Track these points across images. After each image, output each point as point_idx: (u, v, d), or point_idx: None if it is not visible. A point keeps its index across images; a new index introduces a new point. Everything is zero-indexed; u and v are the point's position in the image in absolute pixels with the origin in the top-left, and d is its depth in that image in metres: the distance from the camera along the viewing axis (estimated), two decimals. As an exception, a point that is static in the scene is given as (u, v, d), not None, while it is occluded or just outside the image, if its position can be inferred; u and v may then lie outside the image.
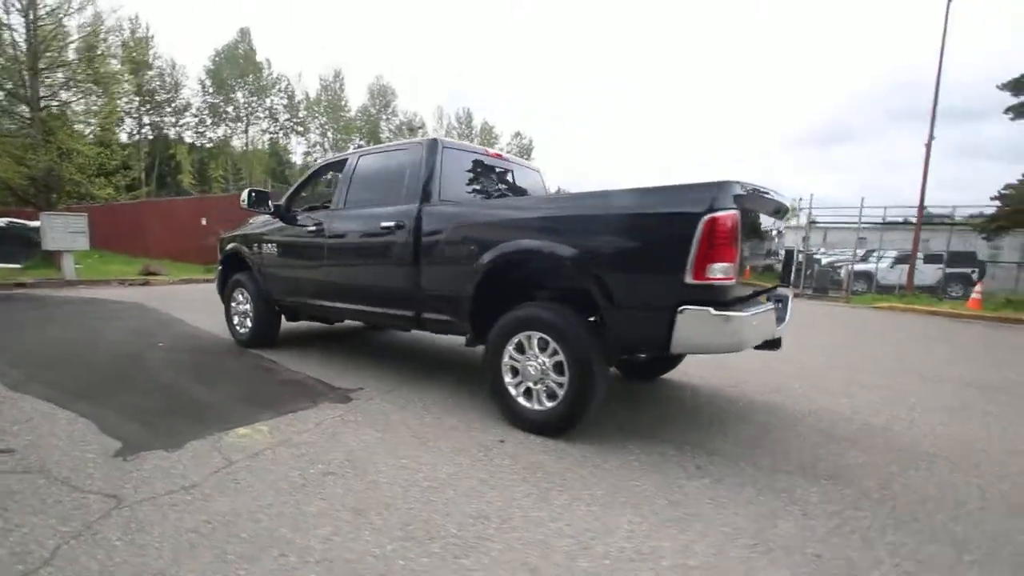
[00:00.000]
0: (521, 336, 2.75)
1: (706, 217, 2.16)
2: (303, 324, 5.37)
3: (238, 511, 1.91)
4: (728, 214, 2.16)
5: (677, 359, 3.93)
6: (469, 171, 3.62)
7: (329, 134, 58.71)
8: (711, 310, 2.18)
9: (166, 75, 44.34)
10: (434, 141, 3.39)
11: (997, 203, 13.35)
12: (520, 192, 4.01)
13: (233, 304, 4.85)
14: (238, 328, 4.82)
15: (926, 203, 14.55)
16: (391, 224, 3.34)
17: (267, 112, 52.08)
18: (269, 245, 4.37)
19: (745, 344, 2.28)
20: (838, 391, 3.99)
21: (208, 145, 49.96)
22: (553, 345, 2.63)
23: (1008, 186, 13.22)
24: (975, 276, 15.82)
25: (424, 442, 2.63)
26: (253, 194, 4.14)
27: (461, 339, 3.20)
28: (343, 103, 58.29)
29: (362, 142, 60.21)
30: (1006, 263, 16.09)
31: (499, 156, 3.90)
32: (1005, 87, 13.53)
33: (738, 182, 2.23)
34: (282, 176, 41.95)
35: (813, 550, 1.80)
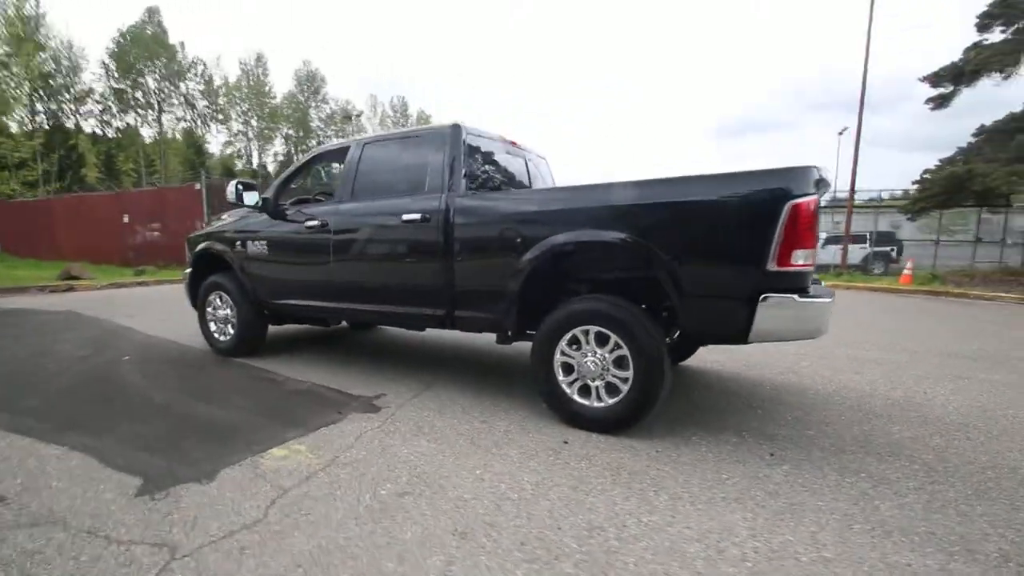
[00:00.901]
0: (576, 331, 2.63)
1: (790, 203, 2.12)
2: (277, 328, 4.95)
3: (325, 547, 1.68)
4: (811, 199, 2.13)
5: (697, 346, 3.94)
6: (489, 159, 3.42)
7: (253, 122, 55.30)
8: (796, 297, 2.16)
9: (62, 57, 39.78)
10: (457, 127, 3.16)
11: (917, 186, 14.67)
12: (534, 182, 3.86)
13: (210, 309, 4.38)
14: (217, 336, 4.36)
15: (846, 187, 15.73)
16: (415, 217, 3.09)
17: (182, 98, 48.16)
18: (256, 243, 3.95)
19: (824, 330, 2.28)
20: (846, 368, 4.17)
21: (115, 135, 45.51)
22: (614, 339, 2.53)
23: (927, 171, 14.55)
24: (894, 254, 17.36)
25: (487, 450, 2.46)
26: (240, 186, 3.72)
27: (463, 334, 3.06)
28: (267, 89, 55.01)
29: (290, 131, 57.23)
30: (923, 241, 17.74)
31: (515, 144, 3.71)
32: (926, 79, 14.87)
33: (815, 167, 2.21)
34: (201, 168, 38.77)
35: (925, 528, 1.82)
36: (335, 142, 3.82)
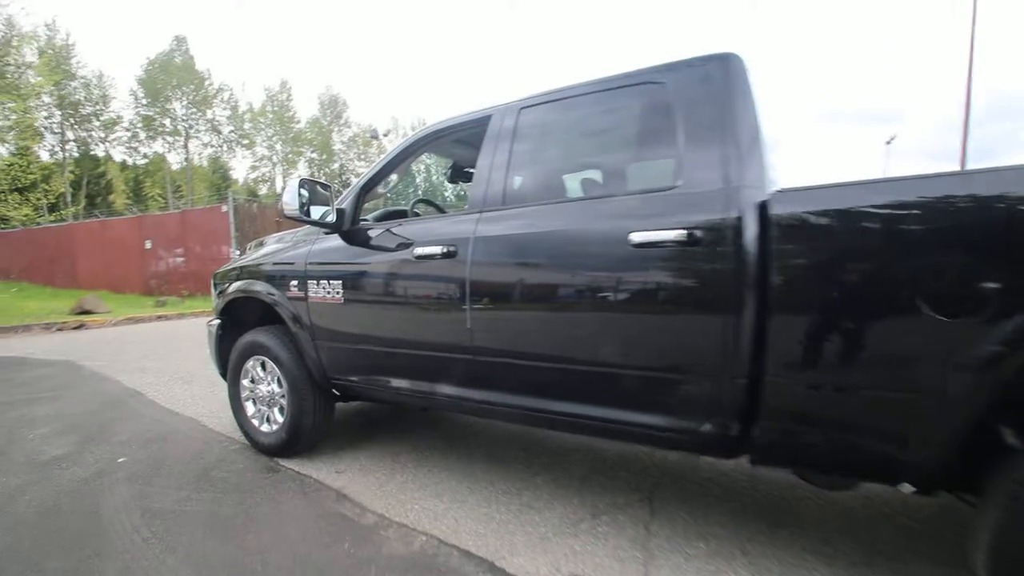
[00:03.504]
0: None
1: None
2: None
3: None
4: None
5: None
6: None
7: (278, 146, 55.37)
8: None
9: (92, 86, 40.09)
10: (735, 59, 1.64)
11: None
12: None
13: (247, 383, 2.88)
14: (257, 423, 2.85)
15: None
16: (665, 237, 1.55)
17: (209, 124, 48.30)
18: (322, 283, 2.45)
19: None
20: None
21: (143, 162, 45.74)
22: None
23: None
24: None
25: None
26: (304, 191, 2.22)
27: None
28: (291, 114, 55.14)
29: (314, 154, 57.06)
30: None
31: None
32: None
33: None
34: (228, 191, 38.33)
35: None
36: (459, 115, 2.31)
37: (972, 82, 12.95)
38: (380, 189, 2.56)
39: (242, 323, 3.00)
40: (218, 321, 3.05)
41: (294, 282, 2.56)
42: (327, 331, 2.49)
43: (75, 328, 8.93)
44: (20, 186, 11.44)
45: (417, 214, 2.78)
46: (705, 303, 1.52)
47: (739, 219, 1.47)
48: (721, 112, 1.59)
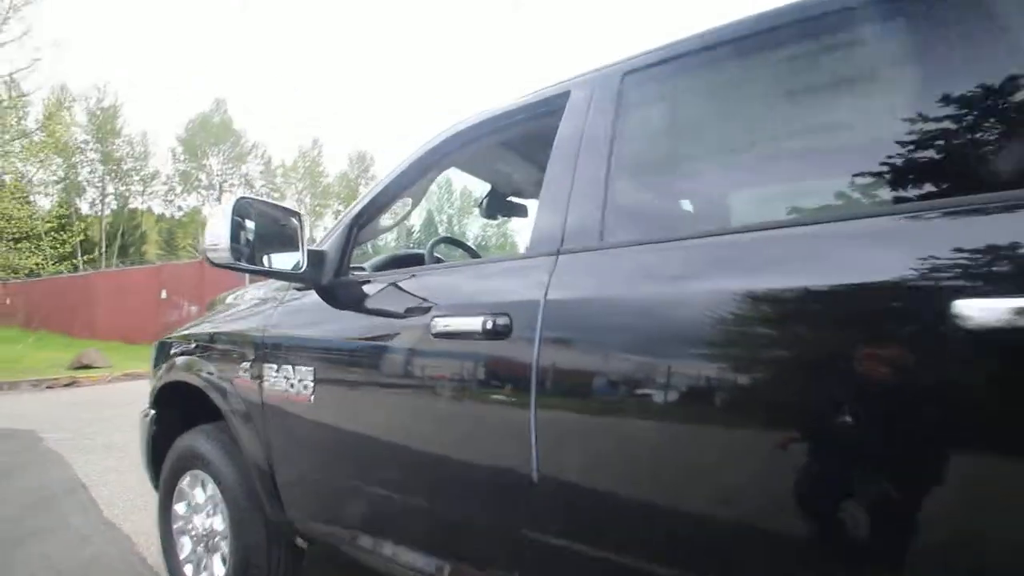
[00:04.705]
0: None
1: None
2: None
3: None
4: None
5: None
6: None
7: (307, 199, 56.71)
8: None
9: (135, 143, 42.04)
10: None
11: None
12: None
13: (180, 508, 1.93)
14: (191, 572, 1.87)
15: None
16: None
17: (243, 179, 49.92)
18: (285, 371, 1.51)
19: None
20: None
21: (178, 215, 47.26)
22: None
23: None
24: None
25: None
26: (249, 220, 1.31)
27: None
28: (321, 168, 56.79)
29: (340, 206, 58.15)
30: None
31: None
32: None
33: None
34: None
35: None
36: (503, 104, 1.41)
37: None
38: (384, 221, 1.67)
39: (193, 414, 2.07)
40: (153, 413, 2.13)
41: (245, 364, 1.63)
42: (288, 447, 1.55)
43: (66, 385, 8.20)
44: (27, 235, 11.18)
45: (439, 259, 1.87)
46: None
47: None
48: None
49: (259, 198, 1.36)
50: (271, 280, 1.83)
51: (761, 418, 0.83)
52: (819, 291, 0.79)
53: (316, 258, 1.46)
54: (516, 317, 1.06)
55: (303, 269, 1.40)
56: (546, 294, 1.04)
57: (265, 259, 1.37)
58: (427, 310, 1.24)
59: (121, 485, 3.42)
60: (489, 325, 1.06)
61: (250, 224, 1.30)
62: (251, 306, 1.81)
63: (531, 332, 1.03)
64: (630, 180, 1.12)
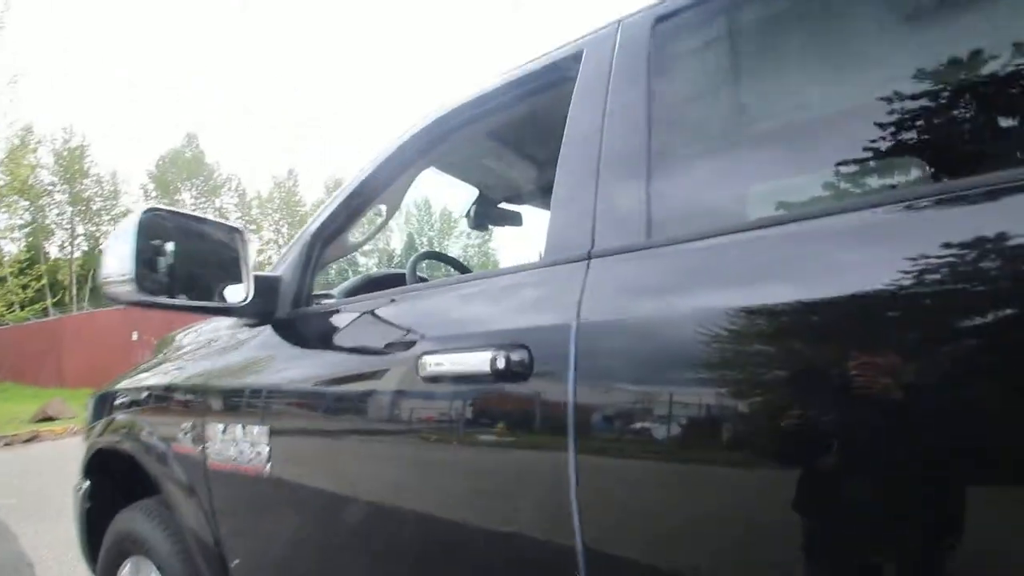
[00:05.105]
0: None
1: None
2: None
3: None
4: None
5: None
6: None
7: (284, 229, 55.99)
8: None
9: (104, 182, 41.07)
10: None
11: None
12: None
13: (119, 606, 1.56)
14: None
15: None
16: None
17: (217, 212, 49.13)
18: (232, 432, 1.18)
19: None
20: None
21: (151, 252, 46.28)
22: None
23: None
24: None
25: None
26: (159, 239, 0.96)
27: None
28: (297, 198, 56.21)
29: (320, 235, 57.44)
30: None
31: None
32: None
33: None
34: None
35: None
36: (498, 76, 1.13)
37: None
38: (352, 238, 1.34)
39: (137, 483, 1.71)
40: (87, 485, 1.76)
41: (185, 424, 1.30)
42: (242, 529, 1.21)
43: (27, 440, 7.60)
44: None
45: (423, 279, 1.56)
46: None
47: None
48: None
49: (179, 210, 1.07)
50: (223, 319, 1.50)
51: (898, 478, 0.54)
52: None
53: (267, 285, 1.14)
54: (538, 349, 0.76)
55: (248, 300, 1.07)
56: (579, 314, 0.74)
57: (196, 291, 1.05)
58: (412, 344, 0.93)
59: (77, 561, 3.00)
60: (500, 363, 0.75)
61: (169, 246, 0.98)
62: (194, 349, 1.47)
63: (561, 369, 0.73)
64: (680, 156, 0.83)
